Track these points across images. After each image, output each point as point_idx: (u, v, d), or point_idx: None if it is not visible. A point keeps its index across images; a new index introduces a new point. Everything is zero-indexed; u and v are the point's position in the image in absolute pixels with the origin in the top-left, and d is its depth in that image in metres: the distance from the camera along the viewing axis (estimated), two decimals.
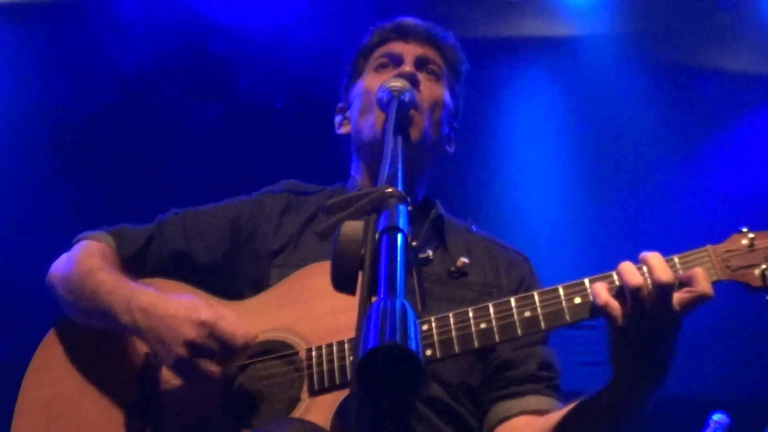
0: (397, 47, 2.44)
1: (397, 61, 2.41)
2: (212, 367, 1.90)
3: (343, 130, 2.54)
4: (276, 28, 4.98)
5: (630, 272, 1.72)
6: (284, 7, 5.02)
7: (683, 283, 1.75)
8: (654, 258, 1.73)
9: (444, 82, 2.45)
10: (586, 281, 1.83)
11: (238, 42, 4.97)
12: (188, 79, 4.93)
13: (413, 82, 2.16)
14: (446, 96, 2.44)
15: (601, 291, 1.74)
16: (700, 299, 1.72)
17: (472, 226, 2.47)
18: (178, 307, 1.95)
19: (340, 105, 2.59)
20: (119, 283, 2.10)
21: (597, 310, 1.75)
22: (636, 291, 1.70)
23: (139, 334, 2.01)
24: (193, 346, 1.89)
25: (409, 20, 2.49)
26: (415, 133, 2.26)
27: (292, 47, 4.86)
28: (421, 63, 2.41)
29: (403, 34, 2.45)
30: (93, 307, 2.10)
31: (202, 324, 1.90)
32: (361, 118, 2.39)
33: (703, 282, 1.72)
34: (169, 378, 2.05)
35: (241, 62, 4.94)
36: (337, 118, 2.58)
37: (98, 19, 4.93)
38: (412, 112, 2.10)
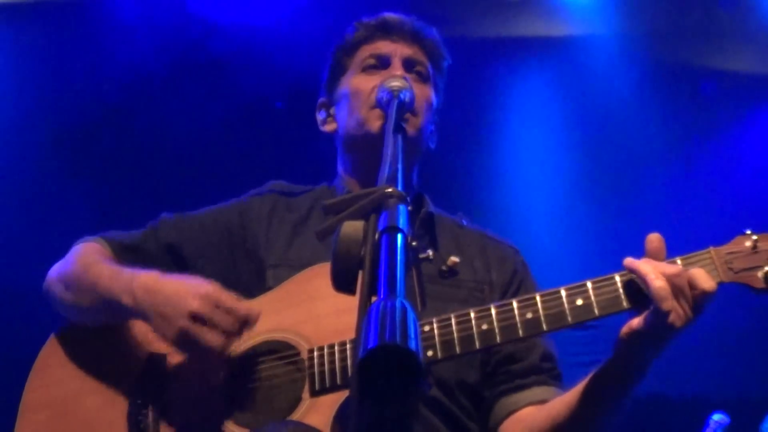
0: (384, 47, 2.42)
1: (384, 61, 2.40)
2: (215, 338, 1.88)
3: (328, 127, 2.52)
4: (275, 28, 4.98)
5: (705, 278, 1.74)
6: (283, 7, 5.03)
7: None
8: (699, 271, 1.76)
9: (430, 82, 2.46)
10: (588, 283, 1.84)
11: (237, 42, 4.97)
12: (188, 79, 4.93)
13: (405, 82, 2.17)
14: (432, 96, 2.44)
15: (666, 293, 1.73)
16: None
17: (463, 221, 2.47)
18: (181, 282, 1.97)
19: (322, 100, 2.56)
20: (120, 269, 2.11)
21: (658, 312, 1.74)
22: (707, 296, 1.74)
23: (141, 314, 2.00)
24: (196, 317, 1.89)
25: (394, 16, 2.46)
26: (410, 130, 2.25)
27: (291, 47, 4.86)
28: (408, 64, 2.40)
29: (389, 32, 2.44)
30: (93, 298, 2.10)
31: (206, 295, 1.91)
32: (350, 117, 2.37)
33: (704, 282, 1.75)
34: (172, 378, 2.05)
35: (241, 62, 4.94)
36: (320, 115, 2.55)
37: (98, 19, 4.94)
38: (407, 114, 2.12)
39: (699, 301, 1.74)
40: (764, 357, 4.77)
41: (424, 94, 2.39)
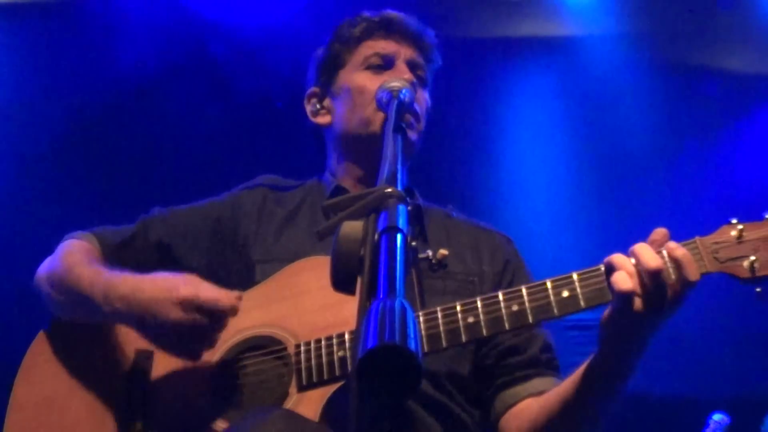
0: (388, 46, 2.41)
1: (389, 62, 2.39)
2: (202, 343, 1.92)
3: (320, 119, 2.49)
4: (276, 28, 4.98)
5: (690, 262, 1.72)
6: (283, 8, 5.03)
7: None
8: (685, 256, 1.74)
9: (428, 86, 2.46)
10: (574, 275, 1.83)
11: (237, 42, 4.97)
12: (188, 79, 4.93)
13: (412, 85, 2.17)
14: (428, 99, 2.45)
15: (626, 279, 1.72)
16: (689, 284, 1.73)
17: (453, 212, 2.46)
18: (156, 288, 1.95)
19: (314, 90, 2.52)
20: (96, 275, 2.09)
21: (621, 298, 1.72)
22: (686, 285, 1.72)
23: (121, 320, 2.02)
24: (180, 326, 1.89)
25: (397, 15, 2.45)
26: (413, 135, 2.28)
27: (292, 47, 4.85)
28: (411, 67, 2.40)
29: (392, 31, 2.43)
30: (76, 301, 2.11)
31: (184, 302, 1.89)
32: (353, 115, 2.36)
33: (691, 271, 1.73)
34: (159, 375, 2.05)
35: (241, 63, 4.94)
36: (311, 106, 2.51)
37: (98, 19, 4.94)
38: (407, 116, 2.12)
39: (680, 285, 1.72)
40: (764, 357, 4.77)
41: (423, 97, 2.40)
